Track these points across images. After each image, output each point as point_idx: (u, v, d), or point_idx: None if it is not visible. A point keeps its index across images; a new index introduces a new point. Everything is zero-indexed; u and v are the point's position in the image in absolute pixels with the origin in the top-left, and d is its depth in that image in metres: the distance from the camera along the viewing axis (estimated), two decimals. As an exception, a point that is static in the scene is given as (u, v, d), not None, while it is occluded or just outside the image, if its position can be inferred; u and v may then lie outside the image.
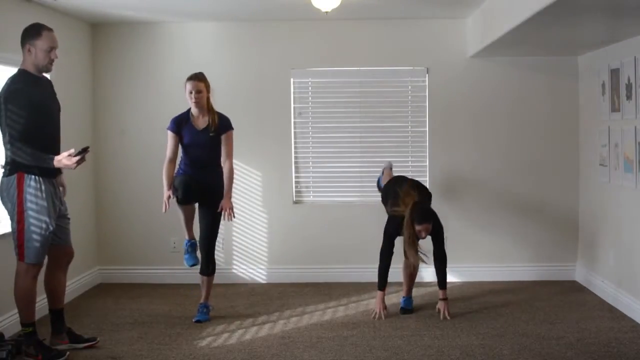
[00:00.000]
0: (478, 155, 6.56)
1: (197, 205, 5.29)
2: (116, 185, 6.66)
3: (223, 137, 5.21)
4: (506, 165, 6.57)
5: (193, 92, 5.11)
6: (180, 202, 5.10)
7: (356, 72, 6.63)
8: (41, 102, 4.27)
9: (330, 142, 6.68)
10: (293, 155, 6.66)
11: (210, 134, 5.16)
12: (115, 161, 6.64)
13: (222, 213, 5.15)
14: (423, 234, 5.18)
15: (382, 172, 6.07)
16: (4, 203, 4.33)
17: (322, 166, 6.71)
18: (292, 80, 6.62)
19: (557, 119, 6.52)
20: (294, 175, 6.67)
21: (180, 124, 5.20)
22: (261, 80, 6.61)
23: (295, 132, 6.67)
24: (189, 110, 5.24)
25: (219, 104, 6.54)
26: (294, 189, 6.67)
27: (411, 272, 5.58)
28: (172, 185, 5.08)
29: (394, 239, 5.34)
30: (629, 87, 5.25)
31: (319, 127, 6.68)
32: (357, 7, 5.79)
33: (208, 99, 5.19)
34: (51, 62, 4.30)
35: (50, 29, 4.31)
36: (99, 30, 6.58)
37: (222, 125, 5.22)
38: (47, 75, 4.51)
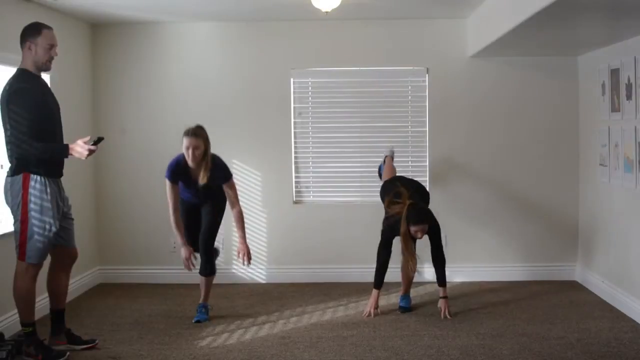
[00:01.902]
0: (478, 155, 6.55)
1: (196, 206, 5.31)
2: (116, 185, 6.66)
3: (225, 186, 5.20)
4: (506, 166, 6.57)
5: (190, 148, 5.01)
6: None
7: (356, 72, 6.63)
8: (43, 100, 4.29)
9: (330, 142, 6.68)
10: (293, 155, 6.66)
11: (210, 186, 5.14)
12: (115, 161, 6.64)
13: (241, 258, 5.23)
14: (419, 235, 5.20)
15: (384, 161, 6.08)
16: (7, 202, 4.34)
17: (322, 166, 6.71)
18: (292, 80, 6.62)
19: (557, 119, 6.52)
20: (294, 175, 6.67)
21: (178, 173, 5.13)
22: (261, 80, 6.60)
23: (295, 132, 6.67)
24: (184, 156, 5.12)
25: (219, 105, 6.58)
26: (294, 189, 6.67)
27: (409, 274, 5.58)
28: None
29: (391, 239, 5.36)
30: (629, 87, 5.25)
31: (319, 127, 6.68)
32: (357, 7, 5.79)
33: (206, 151, 5.08)
34: (51, 59, 4.32)
35: (49, 27, 4.34)
36: (99, 30, 6.58)
37: (221, 177, 5.15)
38: (47, 78, 4.51)
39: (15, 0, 5.19)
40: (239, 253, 5.27)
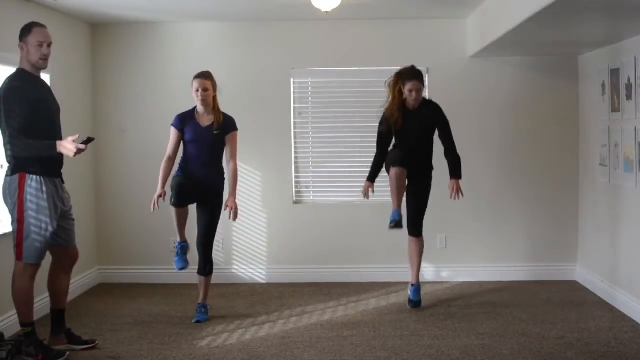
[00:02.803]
0: (478, 155, 6.55)
1: (195, 204, 5.29)
2: (116, 185, 6.66)
3: (228, 137, 5.25)
4: (506, 165, 6.56)
5: (200, 89, 5.14)
6: (173, 204, 5.09)
7: (356, 72, 6.63)
8: (38, 100, 4.28)
9: (330, 142, 6.68)
10: (293, 155, 6.66)
11: (215, 132, 5.18)
12: (115, 161, 6.64)
13: (228, 212, 5.17)
14: (414, 94, 5.29)
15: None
16: (5, 202, 4.34)
17: (322, 166, 6.71)
18: (292, 80, 6.62)
19: (557, 119, 6.52)
20: (294, 175, 6.67)
21: (185, 120, 5.24)
22: (261, 80, 6.60)
23: (295, 132, 6.67)
24: (194, 108, 5.27)
25: (220, 104, 6.56)
26: (294, 189, 6.67)
27: (417, 254, 5.52)
28: (166, 185, 5.10)
29: (385, 132, 5.50)
30: (629, 87, 5.25)
31: (319, 127, 6.69)
32: (357, 7, 5.79)
33: (214, 97, 5.23)
34: (43, 57, 4.28)
35: (42, 25, 4.32)
36: (99, 30, 6.57)
37: (228, 125, 5.25)
38: (47, 78, 4.51)
39: (16, 0, 5.19)
40: (226, 206, 5.19)
